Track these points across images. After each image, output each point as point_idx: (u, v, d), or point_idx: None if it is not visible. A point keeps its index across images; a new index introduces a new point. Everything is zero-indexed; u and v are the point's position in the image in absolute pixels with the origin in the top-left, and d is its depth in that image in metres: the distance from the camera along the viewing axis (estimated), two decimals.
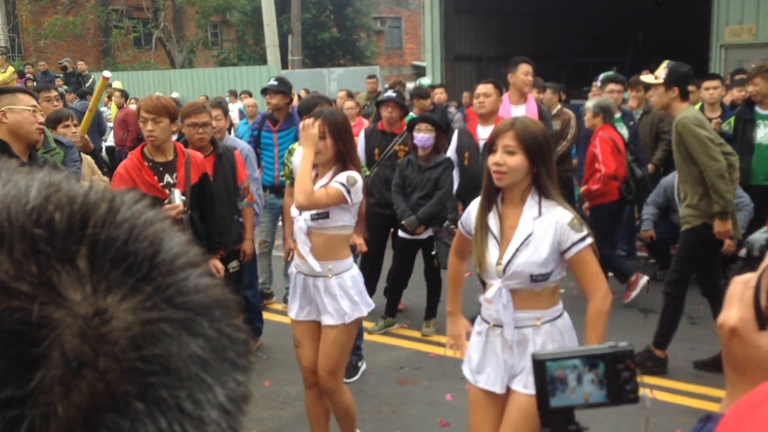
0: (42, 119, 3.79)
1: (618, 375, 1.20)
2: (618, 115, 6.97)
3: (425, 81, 8.55)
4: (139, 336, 0.40)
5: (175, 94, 15.79)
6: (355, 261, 4.90)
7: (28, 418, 0.37)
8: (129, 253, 0.42)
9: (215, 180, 4.71)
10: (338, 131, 3.45)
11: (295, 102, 6.52)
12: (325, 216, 3.44)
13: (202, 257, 0.47)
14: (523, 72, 6.23)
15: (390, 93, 6.16)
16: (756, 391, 0.75)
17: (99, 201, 0.44)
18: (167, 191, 4.05)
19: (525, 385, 2.73)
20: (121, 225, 0.43)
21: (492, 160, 2.70)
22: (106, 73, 5.05)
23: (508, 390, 2.82)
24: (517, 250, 2.69)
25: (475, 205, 2.89)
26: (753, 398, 0.74)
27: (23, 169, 0.47)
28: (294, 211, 3.54)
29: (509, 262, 2.70)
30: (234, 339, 0.45)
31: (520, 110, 5.95)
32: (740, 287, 0.94)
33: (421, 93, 8.24)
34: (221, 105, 5.39)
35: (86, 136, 5.16)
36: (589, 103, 6.47)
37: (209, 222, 4.36)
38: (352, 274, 3.58)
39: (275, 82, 6.14)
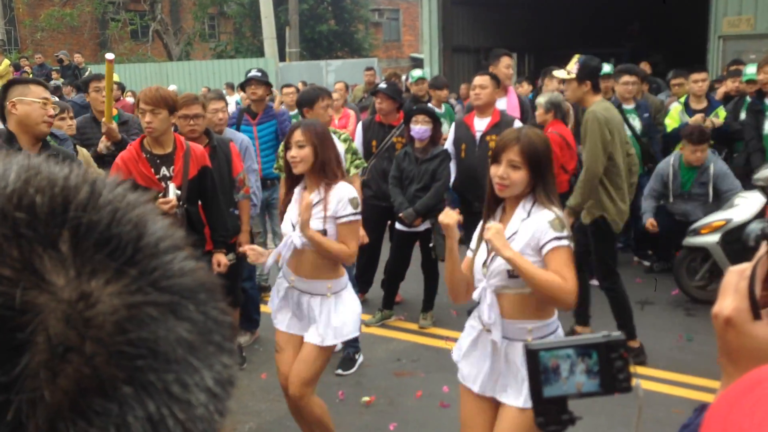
0: (52, 111, 3.66)
1: (611, 364, 1.20)
2: (631, 106, 6.93)
3: (417, 73, 8.48)
4: (125, 319, 0.39)
5: (172, 87, 15.74)
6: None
7: (15, 403, 0.37)
8: (112, 236, 0.42)
9: None
10: (318, 140, 3.41)
11: (275, 98, 6.51)
12: (323, 234, 3.40)
13: (185, 241, 0.46)
14: (504, 65, 6.25)
15: (382, 84, 6.15)
16: (745, 378, 0.74)
17: (80, 184, 0.43)
18: (163, 184, 4.03)
19: (515, 399, 2.73)
20: (103, 208, 0.43)
21: (496, 172, 2.74)
22: (109, 56, 4.96)
23: (497, 402, 2.82)
24: None
25: (480, 223, 2.93)
26: (742, 384, 0.73)
27: (4, 153, 0.46)
28: (287, 227, 3.49)
29: (492, 259, 2.73)
30: (220, 322, 0.44)
31: (501, 103, 6.00)
32: (735, 277, 0.94)
33: (438, 83, 8.13)
34: (223, 97, 5.37)
35: (113, 126, 5.03)
36: (541, 99, 6.38)
37: (213, 215, 4.30)
38: (349, 290, 3.57)
39: (258, 73, 6.11)
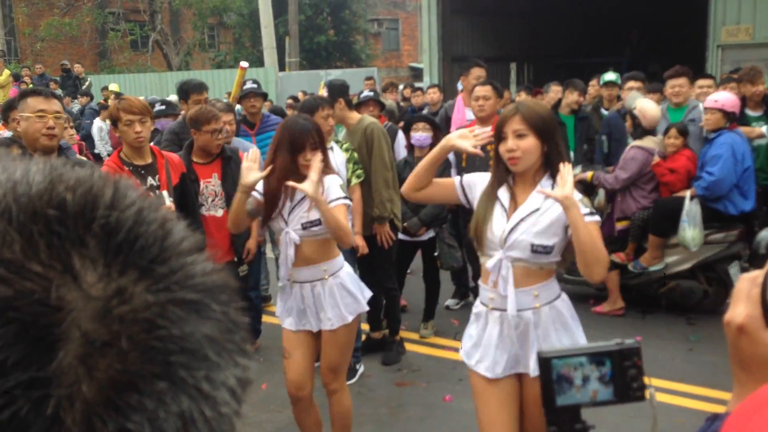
0: (52, 122, 3.43)
1: (625, 372, 1.19)
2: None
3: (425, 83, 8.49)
4: (156, 316, 0.40)
5: (172, 97, 15.76)
6: (355, 266, 4.92)
7: (54, 398, 0.37)
8: (139, 234, 0.42)
9: (224, 182, 4.73)
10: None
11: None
12: (318, 223, 3.38)
13: (203, 243, 0.47)
14: (474, 76, 6.30)
15: (367, 92, 6.18)
16: (762, 390, 0.73)
17: (105, 183, 0.44)
18: (152, 194, 4.01)
19: (535, 370, 2.70)
20: (129, 207, 0.43)
21: (503, 147, 2.69)
22: (244, 63, 5.02)
23: (519, 377, 2.81)
24: (521, 220, 2.70)
25: (482, 176, 2.88)
26: (759, 397, 0.72)
27: (19, 157, 0.46)
28: (279, 223, 3.46)
29: (511, 231, 2.70)
30: (238, 323, 0.45)
31: (470, 113, 6.07)
32: (747, 284, 0.93)
33: (581, 87, 7.75)
34: (232, 109, 5.37)
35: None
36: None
37: (193, 222, 4.35)
38: (346, 270, 3.56)
39: (255, 85, 6.12)
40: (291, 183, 3.28)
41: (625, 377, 1.19)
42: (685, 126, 6.04)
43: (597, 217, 2.70)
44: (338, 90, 5.16)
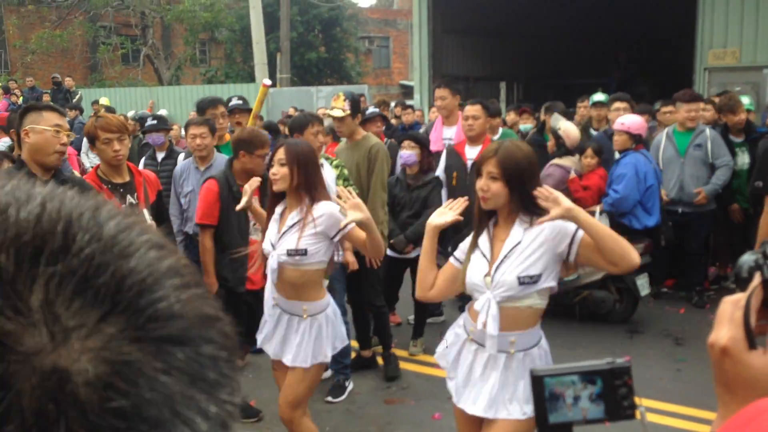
0: (66, 140, 3.47)
1: (615, 391, 1.22)
2: None
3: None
4: (106, 386, 0.37)
5: (162, 111, 15.77)
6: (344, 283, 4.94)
7: None
8: (90, 284, 0.39)
9: (263, 205, 4.79)
10: (299, 161, 3.41)
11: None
12: (303, 253, 3.38)
13: (177, 268, 0.43)
14: (437, 97, 6.38)
15: (373, 109, 6.28)
16: (750, 407, 0.76)
17: (53, 226, 0.40)
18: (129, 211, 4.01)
19: (485, 410, 2.77)
20: (78, 254, 0.40)
21: (478, 183, 2.82)
22: (267, 81, 5.07)
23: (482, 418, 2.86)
24: (506, 257, 2.75)
25: (468, 240, 2.96)
26: (747, 413, 0.75)
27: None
28: (267, 246, 3.49)
29: (497, 270, 2.75)
30: (215, 357, 0.42)
31: (451, 131, 6.27)
32: (730, 307, 0.96)
33: (492, 110, 7.81)
34: (207, 123, 5.37)
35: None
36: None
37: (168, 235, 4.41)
38: (327, 313, 3.53)
39: (240, 101, 6.17)
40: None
41: (615, 396, 1.22)
42: (600, 146, 6.43)
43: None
44: (358, 105, 5.30)
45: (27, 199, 0.42)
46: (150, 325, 0.39)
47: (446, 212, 2.90)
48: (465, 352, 2.88)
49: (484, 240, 2.87)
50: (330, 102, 5.80)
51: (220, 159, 5.35)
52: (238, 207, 3.65)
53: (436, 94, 5.82)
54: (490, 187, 2.76)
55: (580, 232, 2.71)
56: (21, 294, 0.37)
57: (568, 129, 6.45)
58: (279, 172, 3.41)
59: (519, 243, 2.75)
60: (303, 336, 3.45)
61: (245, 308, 4.65)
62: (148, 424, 0.38)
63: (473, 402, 2.82)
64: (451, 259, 2.99)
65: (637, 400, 1.24)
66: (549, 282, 2.76)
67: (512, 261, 2.73)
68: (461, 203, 2.91)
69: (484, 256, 2.83)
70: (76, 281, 0.38)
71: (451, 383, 2.95)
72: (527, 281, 2.71)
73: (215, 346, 0.42)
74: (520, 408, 2.72)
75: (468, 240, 2.96)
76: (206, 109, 5.60)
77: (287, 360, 3.47)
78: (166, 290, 0.41)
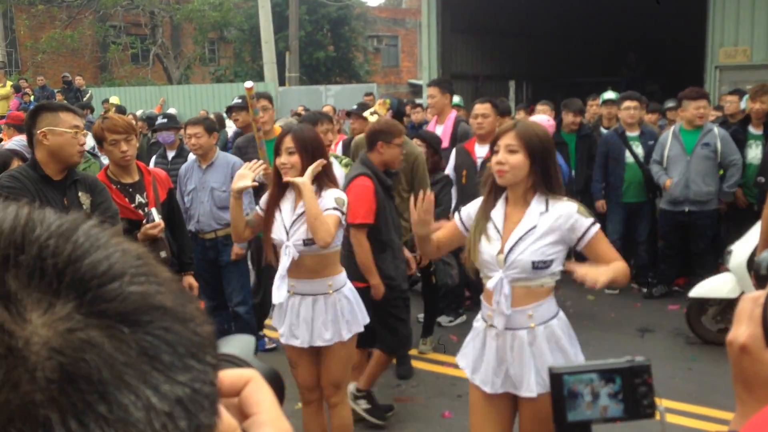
0: (84, 140, 3.46)
1: (635, 389, 1.21)
2: (636, 133, 6.96)
3: (454, 99, 8.34)
4: (53, 350, 0.41)
5: (172, 110, 15.82)
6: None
7: None
8: (45, 267, 0.43)
9: None
10: (307, 147, 3.38)
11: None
12: (310, 242, 3.38)
13: (138, 262, 0.47)
14: (428, 96, 6.48)
15: (354, 106, 6.45)
16: None
17: (14, 223, 0.45)
18: (141, 212, 4.03)
19: (530, 389, 2.75)
20: (34, 242, 0.44)
21: (494, 159, 2.77)
22: (248, 84, 5.05)
23: (515, 397, 2.84)
24: (520, 239, 2.74)
25: (476, 203, 2.93)
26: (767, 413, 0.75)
27: None
28: (281, 235, 3.46)
29: (510, 250, 2.74)
30: (171, 342, 0.45)
31: (439, 129, 6.32)
32: (750, 305, 0.95)
33: (502, 108, 7.30)
34: (204, 122, 5.40)
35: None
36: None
37: (183, 236, 4.41)
38: (349, 286, 3.57)
39: (239, 100, 6.20)
40: (289, 179, 3.31)
41: (635, 394, 1.21)
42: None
43: (597, 225, 2.77)
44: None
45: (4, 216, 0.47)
46: (101, 304, 0.43)
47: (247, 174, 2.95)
48: (489, 341, 2.86)
49: (498, 215, 2.83)
50: (338, 100, 5.85)
51: (222, 157, 5.37)
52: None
53: (476, 110, 5.77)
54: (508, 160, 2.71)
55: (591, 232, 2.71)
56: None
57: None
58: (289, 161, 3.37)
59: (535, 227, 2.73)
60: (336, 311, 3.44)
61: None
62: (92, 385, 0.41)
63: (522, 386, 2.78)
64: (456, 219, 2.98)
65: (657, 400, 1.23)
66: (559, 266, 2.79)
67: (527, 244, 2.72)
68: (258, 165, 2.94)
69: (498, 231, 2.80)
70: (30, 264, 0.43)
71: (480, 373, 2.90)
72: (541, 266, 2.72)
73: (171, 333, 0.45)
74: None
75: (474, 207, 2.92)
76: (233, 111, 5.59)
77: (323, 341, 3.44)
78: (120, 278, 0.45)
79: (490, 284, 2.80)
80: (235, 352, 0.65)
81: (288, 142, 3.38)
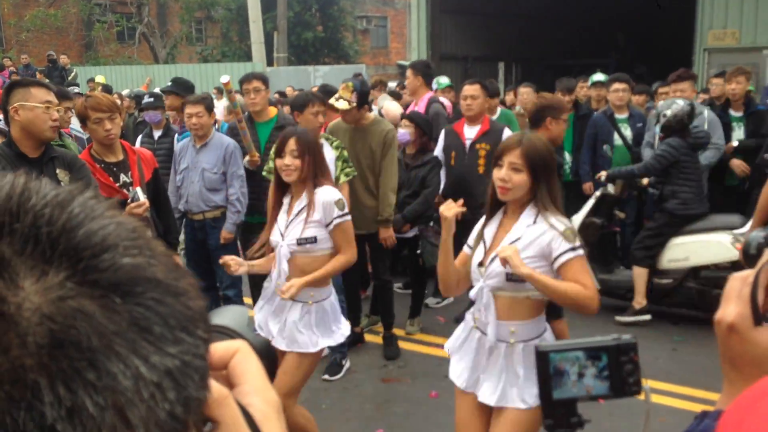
0: (57, 115, 3.43)
1: (621, 367, 1.21)
2: (624, 115, 6.95)
3: (444, 80, 8.29)
4: (44, 316, 0.42)
5: (158, 90, 15.68)
6: None
7: None
8: (39, 236, 0.44)
9: None
10: (310, 151, 3.43)
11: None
12: (313, 241, 3.41)
13: (133, 236, 0.47)
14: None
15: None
16: (758, 385, 0.75)
17: (11, 192, 0.46)
18: (126, 191, 4.00)
19: (486, 397, 2.77)
20: (29, 211, 0.45)
21: (497, 175, 2.77)
22: (224, 78, 4.96)
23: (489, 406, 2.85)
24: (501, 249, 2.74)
25: (480, 225, 2.96)
26: (755, 391, 0.74)
27: None
28: (276, 237, 3.48)
29: (492, 260, 2.75)
30: (162, 314, 0.46)
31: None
32: (738, 284, 0.95)
33: (491, 90, 7.11)
34: (204, 101, 5.32)
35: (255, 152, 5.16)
36: None
37: (168, 216, 4.39)
38: (332, 300, 3.56)
39: (169, 83, 6.22)
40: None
41: (621, 372, 1.21)
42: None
43: (578, 252, 2.68)
44: (366, 96, 5.30)
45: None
46: (94, 274, 0.44)
47: (452, 205, 2.86)
48: (470, 339, 2.89)
49: (490, 230, 2.87)
50: (327, 81, 5.79)
51: (217, 138, 5.32)
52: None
53: (465, 92, 5.77)
54: (512, 178, 2.73)
55: (566, 256, 2.66)
56: None
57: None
58: (293, 163, 3.40)
59: (519, 239, 2.73)
60: (309, 322, 3.44)
61: None
62: (81, 352, 0.42)
63: (481, 390, 2.81)
64: (465, 248, 2.99)
65: (642, 381, 1.23)
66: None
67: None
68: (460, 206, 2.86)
69: (485, 244, 2.84)
70: (25, 233, 0.44)
71: (457, 367, 2.93)
72: (515, 278, 2.68)
73: (162, 305, 0.46)
74: (521, 398, 2.71)
75: (479, 226, 2.96)
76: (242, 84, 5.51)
77: (291, 347, 3.43)
78: (113, 249, 0.45)
79: (471, 293, 2.83)
80: (228, 324, 0.65)
81: (292, 145, 3.41)
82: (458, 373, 2.92)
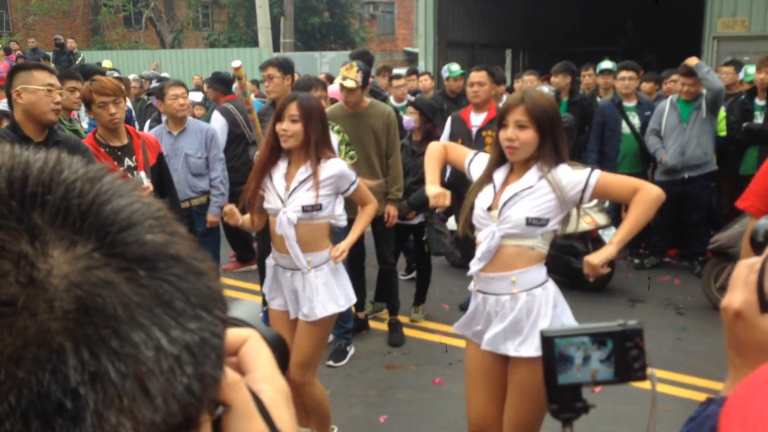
0: (59, 98, 3.43)
1: (626, 353, 1.20)
2: (632, 103, 6.92)
3: (455, 68, 8.13)
4: (72, 284, 0.43)
5: (165, 75, 15.66)
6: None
7: None
8: (69, 209, 0.45)
9: None
10: (311, 117, 3.33)
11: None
12: (319, 208, 3.37)
13: (158, 215, 0.49)
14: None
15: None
16: (761, 370, 0.75)
17: (43, 165, 0.47)
18: (130, 175, 4.01)
19: (508, 349, 2.78)
20: (61, 184, 0.46)
21: (504, 135, 2.75)
22: (236, 63, 4.92)
23: (507, 359, 2.86)
24: (516, 194, 2.74)
25: (485, 156, 2.94)
26: (759, 376, 0.74)
27: None
28: (276, 203, 3.41)
29: (504, 205, 2.74)
30: (184, 290, 0.47)
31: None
32: (745, 270, 0.94)
33: (497, 77, 6.83)
34: (183, 84, 5.34)
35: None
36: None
37: (170, 202, 4.38)
38: (331, 264, 3.51)
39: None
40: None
41: (626, 358, 1.21)
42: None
43: (596, 171, 2.75)
44: (368, 77, 5.25)
45: (24, 151, 0.49)
46: (120, 247, 0.45)
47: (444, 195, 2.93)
48: (478, 309, 2.90)
49: (499, 176, 2.84)
50: (334, 67, 5.77)
51: (194, 122, 5.32)
52: None
53: (472, 78, 5.76)
54: (518, 136, 2.71)
55: (593, 179, 2.70)
56: (11, 207, 0.44)
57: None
58: (291, 128, 3.31)
59: (531, 187, 2.73)
60: (313, 289, 3.42)
61: None
62: (106, 319, 0.43)
63: (493, 341, 2.82)
64: (467, 158, 3.02)
65: (648, 370, 1.23)
66: (554, 226, 2.77)
67: (523, 201, 2.72)
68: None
69: (494, 187, 2.81)
70: (56, 204, 0.45)
71: (469, 330, 2.96)
72: (535, 223, 2.71)
73: (184, 282, 0.47)
74: (533, 348, 2.71)
75: (485, 159, 2.93)
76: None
77: (302, 316, 3.44)
78: (139, 225, 0.47)
79: (481, 235, 2.81)
80: (242, 316, 0.66)
81: (293, 110, 3.31)
82: (477, 335, 2.92)
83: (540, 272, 2.81)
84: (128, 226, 0.46)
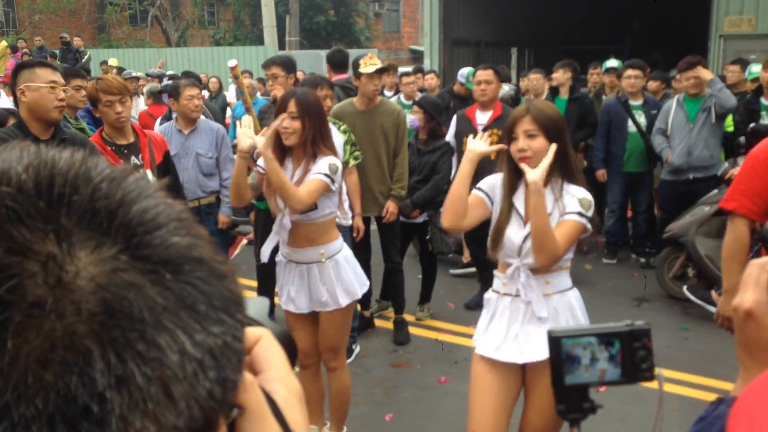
0: (63, 95, 3.44)
1: (634, 353, 1.20)
2: (639, 102, 6.90)
3: (465, 71, 8.03)
4: (99, 286, 0.43)
5: (170, 73, 15.68)
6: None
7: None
8: (96, 210, 0.45)
9: None
10: (310, 112, 3.31)
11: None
12: (314, 207, 3.36)
13: (182, 217, 0.49)
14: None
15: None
16: None
17: (69, 164, 0.47)
18: (138, 172, 4.02)
19: (536, 354, 2.74)
20: (87, 184, 0.46)
21: (515, 147, 2.74)
22: (231, 62, 4.91)
23: (522, 369, 2.84)
24: None
25: (497, 177, 2.90)
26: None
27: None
28: (280, 202, 3.39)
29: (526, 238, 2.73)
30: (207, 293, 0.47)
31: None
32: (756, 270, 0.94)
33: (502, 76, 6.80)
34: (198, 85, 5.36)
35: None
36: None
37: (180, 199, 4.40)
38: (344, 254, 3.53)
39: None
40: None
41: (634, 358, 1.20)
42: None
43: (582, 219, 2.70)
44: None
45: (53, 151, 0.49)
46: (146, 249, 0.45)
47: (479, 142, 2.85)
48: (501, 309, 2.84)
49: (518, 200, 2.82)
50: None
51: (205, 122, 5.31)
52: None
53: (479, 77, 5.76)
54: (530, 146, 2.70)
55: (568, 216, 2.69)
56: (37, 206, 0.44)
57: None
58: (291, 125, 3.30)
59: (550, 214, 2.71)
60: (331, 278, 3.44)
61: None
62: (132, 323, 0.43)
63: (518, 352, 2.77)
64: (476, 191, 2.92)
65: (655, 369, 1.22)
66: (570, 253, 2.78)
67: None
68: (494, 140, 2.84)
69: (520, 216, 2.79)
70: (84, 205, 0.45)
71: (483, 343, 2.87)
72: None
73: (208, 285, 0.47)
74: None
75: (494, 181, 2.90)
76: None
77: (323, 307, 3.48)
78: (165, 227, 0.47)
79: (507, 272, 2.81)
80: (252, 314, 0.66)
81: (291, 107, 3.30)
82: (494, 346, 2.83)
83: (568, 278, 2.84)
84: (154, 228, 0.46)
